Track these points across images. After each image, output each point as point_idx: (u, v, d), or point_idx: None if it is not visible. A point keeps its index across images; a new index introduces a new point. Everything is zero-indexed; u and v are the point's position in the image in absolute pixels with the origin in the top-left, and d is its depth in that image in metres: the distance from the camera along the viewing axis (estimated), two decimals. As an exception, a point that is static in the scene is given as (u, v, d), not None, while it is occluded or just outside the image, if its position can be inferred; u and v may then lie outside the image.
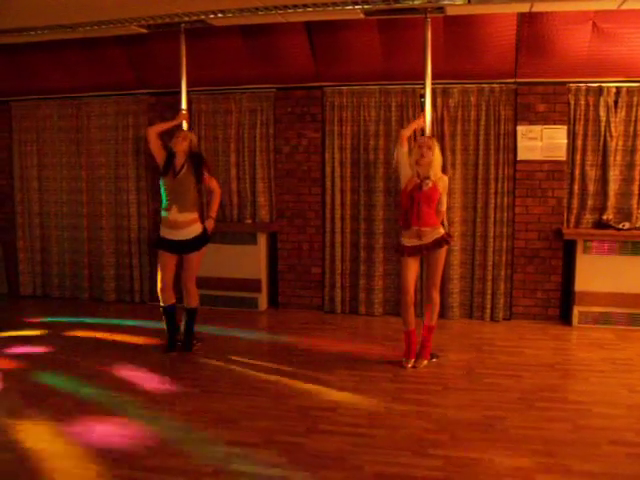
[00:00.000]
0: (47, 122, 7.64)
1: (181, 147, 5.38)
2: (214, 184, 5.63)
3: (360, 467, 3.48)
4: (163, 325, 5.60)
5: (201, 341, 5.77)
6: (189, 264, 5.49)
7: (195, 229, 5.44)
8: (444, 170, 5.56)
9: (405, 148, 5.12)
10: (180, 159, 5.40)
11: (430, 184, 4.94)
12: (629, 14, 5.39)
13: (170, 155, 5.41)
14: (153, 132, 5.53)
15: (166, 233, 5.43)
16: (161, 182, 5.45)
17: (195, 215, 5.46)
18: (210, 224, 5.56)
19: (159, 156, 5.48)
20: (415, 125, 5.42)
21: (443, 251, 5.07)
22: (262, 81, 6.89)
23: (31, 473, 3.42)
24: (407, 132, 5.24)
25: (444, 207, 5.17)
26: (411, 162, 5.05)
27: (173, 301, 5.56)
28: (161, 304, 5.54)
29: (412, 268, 5.10)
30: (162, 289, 5.49)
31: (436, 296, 5.17)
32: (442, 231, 5.06)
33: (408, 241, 5.05)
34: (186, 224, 5.38)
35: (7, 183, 7.88)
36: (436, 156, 5.02)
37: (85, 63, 7.00)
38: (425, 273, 5.38)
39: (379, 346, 5.76)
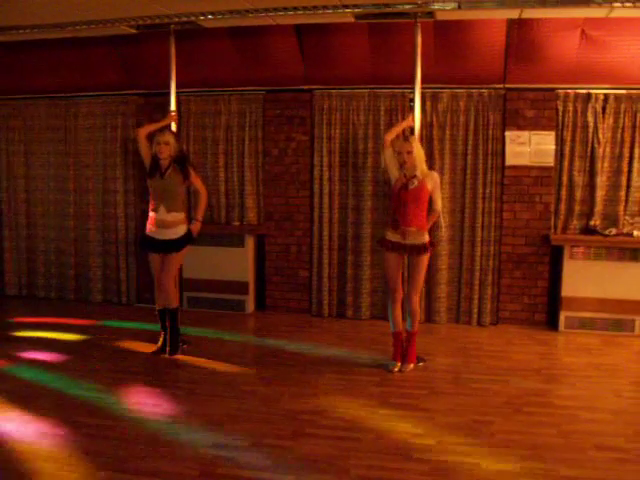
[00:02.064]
0: (35, 121, 7.58)
1: (164, 154, 5.36)
2: (199, 183, 5.63)
3: (346, 471, 3.46)
4: (149, 327, 5.58)
5: (188, 343, 5.74)
6: (168, 264, 5.46)
7: (181, 229, 5.44)
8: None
9: (390, 150, 5.12)
10: (165, 161, 5.40)
11: (416, 183, 4.95)
12: (617, 22, 5.44)
13: (156, 157, 5.41)
14: (142, 133, 5.52)
15: (152, 232, 5.43)
16: (148, 183, 5.45)
17: (182, 216, 5.46)
18: (196, 227, 5.56)
19: (147, 158, 5.49)
20: (400, 127, 5.42)
21: (424, 258, 5.05)
22: (251, 83, 6.88)
23: (14, 474, 3.38)
24: (390, 136, 5.22)
25: (439, 206, 5.11)
26: (397, 165, 5.07)
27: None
28: (156, 307, 5.61)
29: (394, 264, 5.11)
30: (157, 292, 5.55)
31: (416, 301, 5.14)
32: (426, 238, 5.04)
33: (391, 236, 5.06)
34: (174, 224, 5.38)
35: (-7, 182, 7.83)
36: (418, 153, 5.00)
37: (74, 63, 6.96)
38: (408, 278, 5.38)
39: (366, 350, 5.75)
